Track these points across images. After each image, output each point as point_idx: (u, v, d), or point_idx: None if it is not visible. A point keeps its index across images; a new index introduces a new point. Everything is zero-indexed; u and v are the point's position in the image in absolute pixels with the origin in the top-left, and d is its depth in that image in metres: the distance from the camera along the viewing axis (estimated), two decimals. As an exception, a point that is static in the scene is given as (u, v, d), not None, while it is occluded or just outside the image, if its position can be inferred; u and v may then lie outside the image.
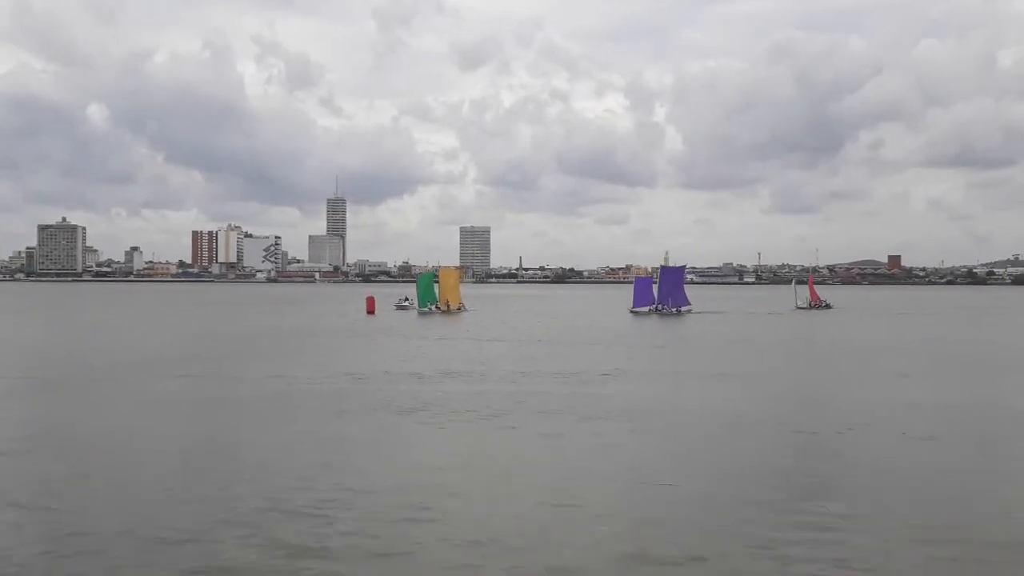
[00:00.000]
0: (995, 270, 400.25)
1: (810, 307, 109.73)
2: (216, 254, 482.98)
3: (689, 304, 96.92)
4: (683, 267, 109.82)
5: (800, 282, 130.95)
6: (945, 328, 77.55)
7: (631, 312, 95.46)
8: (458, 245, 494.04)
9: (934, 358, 48.15)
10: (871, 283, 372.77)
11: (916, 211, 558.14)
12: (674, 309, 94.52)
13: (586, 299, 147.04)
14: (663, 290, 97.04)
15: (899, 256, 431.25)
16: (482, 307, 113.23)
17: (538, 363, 42.66)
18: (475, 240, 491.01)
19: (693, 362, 44.56)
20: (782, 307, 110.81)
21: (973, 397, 31.64)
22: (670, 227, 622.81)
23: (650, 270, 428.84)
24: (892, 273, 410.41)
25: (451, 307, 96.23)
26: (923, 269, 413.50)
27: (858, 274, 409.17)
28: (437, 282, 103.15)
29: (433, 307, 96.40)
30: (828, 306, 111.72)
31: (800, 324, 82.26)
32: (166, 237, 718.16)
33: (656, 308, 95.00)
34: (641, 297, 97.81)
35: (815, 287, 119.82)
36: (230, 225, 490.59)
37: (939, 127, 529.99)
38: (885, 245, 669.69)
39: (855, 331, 71.71)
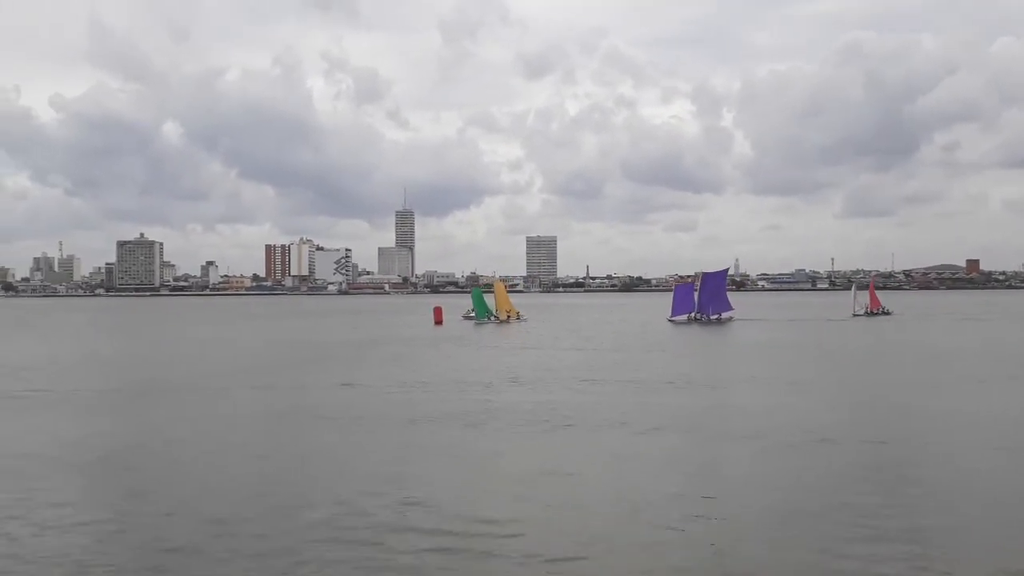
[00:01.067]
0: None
1: (868, 314, 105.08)
2: (289, 267, 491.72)
3: (732, 309, 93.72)
4: (725, 270, 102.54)
5: (861, 287, 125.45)
6: (1004, 331, 75.76)
7: (669, 321, 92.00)
8: (524, 255, 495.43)
9: (991, 361, 47.22)
10: (948, 288, 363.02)
11: (994, 213, 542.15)
12: (714, 316, 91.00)
13: (651, 307, 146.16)
14: (703, 297, 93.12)
15: (977, 260, 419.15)
16: (540, 316, 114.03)
17: (602, 371, 42.96)
18: (541, 249, 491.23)
19: (727, 370, 44.33)
20: (843, 313, 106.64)
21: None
22: (739, 233, 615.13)
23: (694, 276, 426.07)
24: (971, 277, 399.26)
25: (511, 316, 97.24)
26: (1003, 273, 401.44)
27: (935, 279, 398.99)
28: (489, 293, 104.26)
29: (491, 318, 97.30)
30: (887, 312, 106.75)
31: (851, 330, 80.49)
32: (240, 251, 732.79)
33: (695, 316, 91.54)
34: (681, 305, 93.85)
35: (876, 292, 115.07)
36: (302, 239, 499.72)
37: (1016, 127, 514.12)
38: (963, 249, 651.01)
39: (903, 336, 70.44)
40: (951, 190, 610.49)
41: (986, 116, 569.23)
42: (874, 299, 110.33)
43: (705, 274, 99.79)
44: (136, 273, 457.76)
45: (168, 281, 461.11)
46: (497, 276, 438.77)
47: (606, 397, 33.69)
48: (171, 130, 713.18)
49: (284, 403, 33.20)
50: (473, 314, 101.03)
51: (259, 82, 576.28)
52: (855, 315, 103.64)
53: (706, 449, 23.59)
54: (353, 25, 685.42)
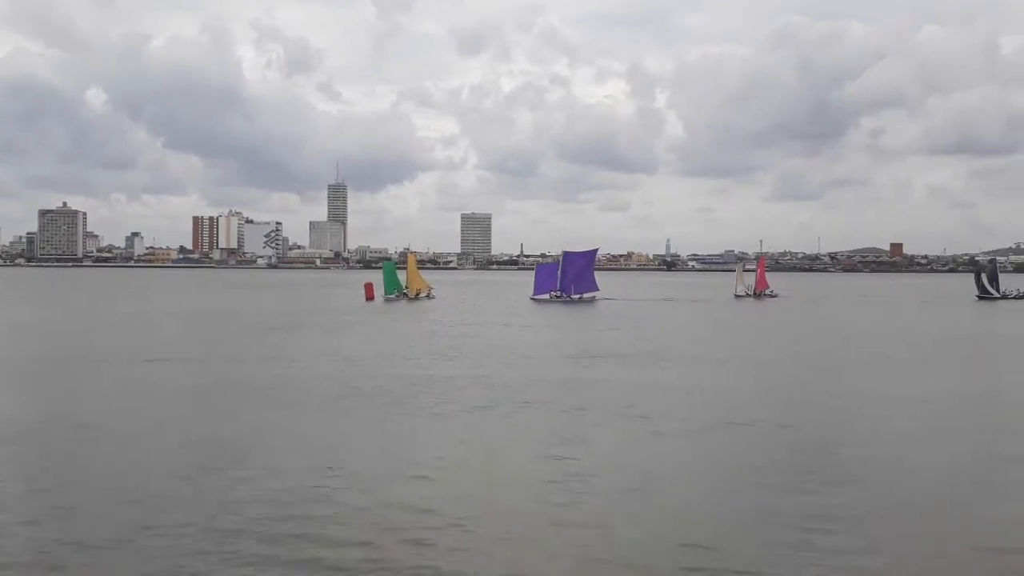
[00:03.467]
0: (998, 258, 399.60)
1: (753, 295, 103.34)
2: (217, 240, 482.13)
3: (597, 289, 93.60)
4: (594, 251, 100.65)
5: (747, 268, 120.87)
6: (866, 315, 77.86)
7: (531, 299, 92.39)
8: (459, 231, 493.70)
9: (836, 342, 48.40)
10: (872, 270, 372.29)
11: (918, 199, 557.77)
12: (576, 296, 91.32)
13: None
14: (566, 276, 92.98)
15: (901, 244, 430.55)
16: (458, 292, 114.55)
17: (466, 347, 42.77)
18: (476, 226, 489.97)
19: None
20: (727, 295, 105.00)
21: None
22: (671, 214, 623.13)
23: (651, 257, 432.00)
24: (894, 261, 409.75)
25: (420, 293, 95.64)
26: (925, 257, 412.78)
27: (860, 262, 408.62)
28: (400, 269, 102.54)
29: (400, 294, 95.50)
30: (774, 295, 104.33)
31: (710, 313, 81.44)
32: (167, 222, 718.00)
33: (556, 295, 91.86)
34: (543, 284, 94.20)
35: (766, 274, 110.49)
36: (231, 211, 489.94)
37: (940, 114, 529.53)
38: (887, 233, 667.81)
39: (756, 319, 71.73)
40: (877, 175, 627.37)
41: (912, 103, 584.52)
42: (761, 280, 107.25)
43: (566, 253, 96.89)
44: (58, 243, 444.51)
45: (92, 252, 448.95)
46: (431, 251, 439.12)
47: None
48: (95, 97, 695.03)
49: (207, 378, 32.25)
50: (403, 292, 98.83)
51: (187, 50, 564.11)
52: (736, 296, 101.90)
53: (570, 421, 23.41)
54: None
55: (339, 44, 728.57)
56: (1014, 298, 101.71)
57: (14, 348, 43.54)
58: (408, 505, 15.67)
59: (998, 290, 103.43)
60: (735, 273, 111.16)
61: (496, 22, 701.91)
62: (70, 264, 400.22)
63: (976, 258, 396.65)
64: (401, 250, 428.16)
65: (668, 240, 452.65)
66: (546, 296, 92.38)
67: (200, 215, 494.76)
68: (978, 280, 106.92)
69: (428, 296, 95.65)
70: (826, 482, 17.35)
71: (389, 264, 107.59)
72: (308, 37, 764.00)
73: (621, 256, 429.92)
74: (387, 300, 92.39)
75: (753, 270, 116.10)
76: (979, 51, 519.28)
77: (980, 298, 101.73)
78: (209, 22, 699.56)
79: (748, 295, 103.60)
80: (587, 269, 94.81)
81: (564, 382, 31.28)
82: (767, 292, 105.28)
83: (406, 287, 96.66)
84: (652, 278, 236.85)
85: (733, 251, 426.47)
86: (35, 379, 32.44)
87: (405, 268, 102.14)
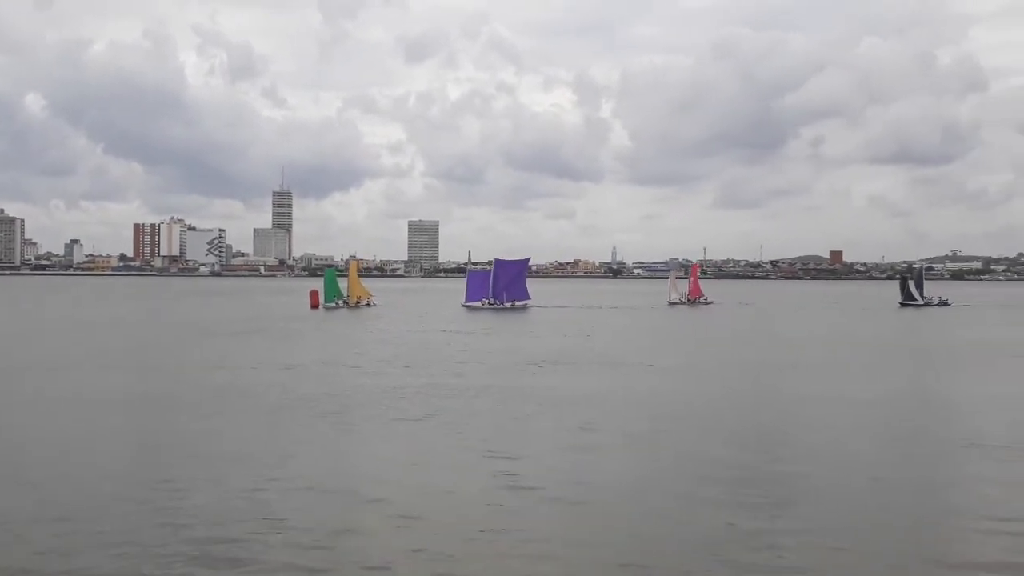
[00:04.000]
0: (934, 265, 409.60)
1: (687, 302, 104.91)
2: (159, 247, 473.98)
3: (529, 298, 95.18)
4: (526, 260, 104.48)
5: (680, 276, 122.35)
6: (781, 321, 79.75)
7: (463, 306, 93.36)
8: (406, 239, 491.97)
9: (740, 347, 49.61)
10: (813, 278, 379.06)
11: (857, 207, 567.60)
12: (508, 304, 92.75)
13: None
14: (498, 284, 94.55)
15: (841, 252, 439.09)
16: (402, 300, 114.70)
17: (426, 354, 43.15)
18: (423, 234, 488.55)
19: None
20: (662, 302, 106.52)
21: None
22: (617, 222, 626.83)
23: (598, 264, 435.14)
24: (834, 268, 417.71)
25: (359, 301, 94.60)
26: (864, 264, 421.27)
27: (800, 269, 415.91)
28: (341, 276, 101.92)
29: (340, 302, 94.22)
30: (708, 302, 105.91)
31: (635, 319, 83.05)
32: (107, 230, 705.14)
33: (489, 302, 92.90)
34: (474, 291, 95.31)
35: (699, 282, 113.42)
36: (172, 218, 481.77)
37: (879, 124, 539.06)
38: (828, 241, 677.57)
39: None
40: (817, 184, 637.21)
41: (851, 113, 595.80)
42: (695, 288, 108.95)
43: (498, 261, 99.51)
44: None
45: (29, 259, 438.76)
46: (377, 259, 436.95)
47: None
48: (33, 102, 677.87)
49: (146, 386, 32.09)
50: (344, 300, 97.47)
51: (128, 55, 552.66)
52: (671, 303, 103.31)
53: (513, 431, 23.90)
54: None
55: (284, 50, 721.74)
56: (936, 305, 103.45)
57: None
58: (348, 519, 15.80)
59: (922, 296, 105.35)
60: (668, 281, 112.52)
61: (442, 29, 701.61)
62: (7, 272, 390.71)
63: (913, 265, 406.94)
64: (347, 258, 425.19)
65: (614, 248, 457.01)
66: (478, 303, 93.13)
67: (141, 222, 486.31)
68: (903, 287, 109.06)
69: (368, 304, 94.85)
70: (764, 492, 17.86)
71: (331, 271, 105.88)
72: (252, 42, 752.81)
73: (568, 264, 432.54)
74: (327, 308, 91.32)
75: (686, 277, 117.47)
76: (916, 62, 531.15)
77: (903, 305, 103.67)
78: (151, 27, 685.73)
79: (682, 302, 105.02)
80: (519, 278, 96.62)
81: (508, 389, 31.69)
82: (700, 299, 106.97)
83: (347, 295, 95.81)
84: (596, 286, 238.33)
85: (677, 259, 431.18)
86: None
87: (347, 275, 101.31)
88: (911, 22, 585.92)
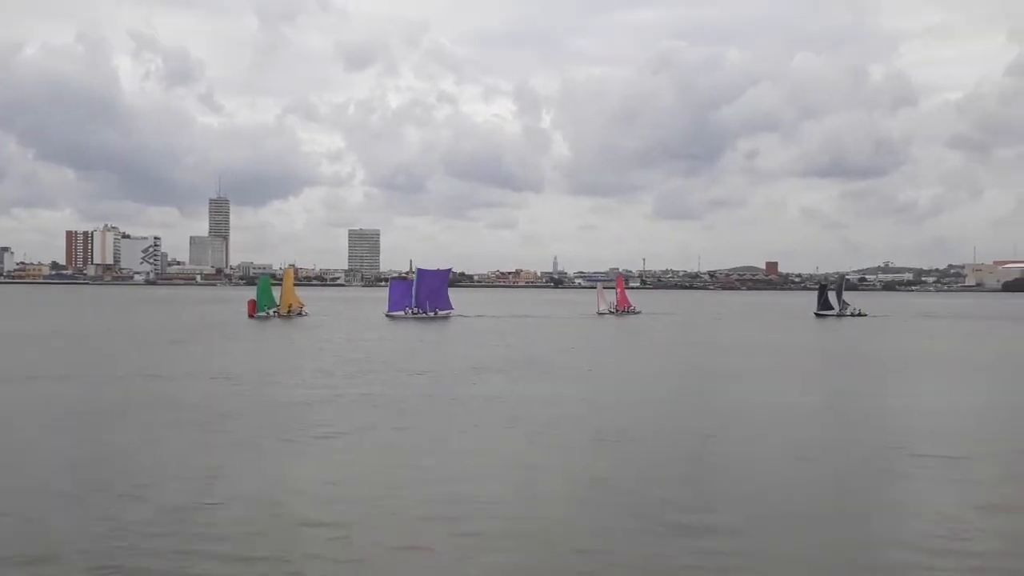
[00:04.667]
0: (867, 276, 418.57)
1: (616, 312, 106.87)
2: (92, 255, 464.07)
3: (451, 308, 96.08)
4: (448, 270, 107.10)
5: (607, 286, 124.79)
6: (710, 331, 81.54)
7: (386, 316, 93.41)
8: (347, 248, 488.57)
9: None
10: (749, 288, 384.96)
11: (792, 219, 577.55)
12: (431, 312, 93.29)
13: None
14: (421, 293, 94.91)
15: (776, 262, 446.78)
16: (333, 310, 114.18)
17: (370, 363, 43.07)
18: (364, 243, 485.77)
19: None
20: (591, 311, 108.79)
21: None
22: (558, 232, 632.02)
23: (539, 274, 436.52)
24: (770, 279, 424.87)
25: (291, 309, 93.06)
26: (799, 275, 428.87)
27: (737, 279, 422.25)
28: (276, 285, 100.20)
29: (272, 311, 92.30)
30: (636, 311, 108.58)
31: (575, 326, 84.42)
32: (38, 237, 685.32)
33: (413, 311, 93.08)
34: (397, 300, 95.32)
35: (626, 292, 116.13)
36: (106, 225, 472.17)
37: (813, 138, 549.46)
38: (763, 252, 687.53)
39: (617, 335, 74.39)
40: (753, 196, 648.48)
41: (785, 126, 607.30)
42: (623, 298, 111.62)
43: (420, 270, 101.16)
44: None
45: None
46: (317, 268, 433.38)
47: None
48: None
49: (78, 397, 31.43)
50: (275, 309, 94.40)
51: (61, 58, 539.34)
52: (599, 313, 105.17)
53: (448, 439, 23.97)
54: (164, 3, 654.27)
55: (220, 55, 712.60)
56: (850, 315, 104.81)
57: None
58: (283, 537, 15.75)
59: (841, 306, 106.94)
60: (596, 291, 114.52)
61: (382, 38, 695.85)
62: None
63: (847, 276, 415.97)
64: (286, 266, 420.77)
65: (555, 257, 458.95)
66: (401, 312, 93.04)
67: (74, 229, 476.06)
68: (821, 295, 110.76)
69: (300, 313, 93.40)
70: (703, 501, 18.17)
71: (265, 279, 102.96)
72: (188, 47, 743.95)
73: (509, 273, 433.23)
74: (258, 318, 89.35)
75: (613, 288, 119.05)
76: (848, 77, 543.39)
77: (818, 315, 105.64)
78: (84, 30, 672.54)
79: (611, 312, 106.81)
80: (441, 288, 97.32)
81: (448, 398, 31.70)
82: (628, 309, 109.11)
83: (278, 304, 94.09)
84: (536, 295, 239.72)
85: (617, 269, 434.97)
86: None
87: (281, 284, 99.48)
88: (843, 38, 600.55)
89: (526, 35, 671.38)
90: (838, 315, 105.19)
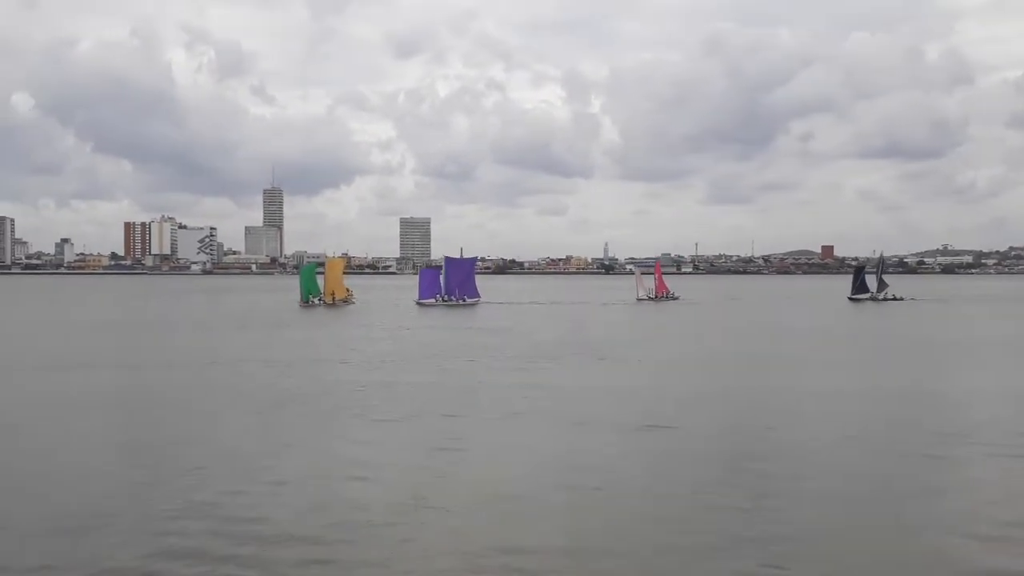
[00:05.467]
0: (925, 259, 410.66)
1: (654, 298, 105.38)
2: (149, 246, 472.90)
3: (479, 296, 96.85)
4: (474, 259, 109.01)
5: (646, 272, 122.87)
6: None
7: (417, 303, 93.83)
8: (398, 236, 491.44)
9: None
10: (805, 272, 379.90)
11: (848, 201, 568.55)
12: (460, 300, 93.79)
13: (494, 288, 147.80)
14: (451, 281, 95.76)
15: (832, 246, 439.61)
16: (384, 296, 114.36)
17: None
18: (415, 231, 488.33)
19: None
20: (631, 297, 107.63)
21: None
22: (608, 218, 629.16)
23: (590, 260, 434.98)
24: (825, 263, 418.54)
25: (336, 298, 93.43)
26: (855, 259, 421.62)
27: (792, 264, 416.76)
28: (321, 273, 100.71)
29: (316, 299, 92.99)
30: (675, 297, 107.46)
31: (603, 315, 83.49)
32: (97, 229, 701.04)
33: (443, 298, 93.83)
34: (428, 289, 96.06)
35: (663, 277, 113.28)
36: (163, 216, 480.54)
37: (868, 119, 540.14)
38: (819, 235, 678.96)
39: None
40: (807, 179, 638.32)
41: (840, 107, 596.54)
42: (660, 284, 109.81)
43: (448, 259, 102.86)
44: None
45: (20, 259, 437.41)
46: (370, 256, 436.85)
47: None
48: (21, 101, 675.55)
49: (139, 384, 32.20)
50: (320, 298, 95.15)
51: (115, 53, 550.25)
52: (639, 300, 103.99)
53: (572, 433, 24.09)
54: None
55: (272, 47, 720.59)
56: (883, 299, 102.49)
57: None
58: (338, 514, 16.07)
59: (879, 288, 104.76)
60: (635, 278, 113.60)
61: (430, 26, 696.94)
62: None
63: (905, 259, 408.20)
64: (340, 255, 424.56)
65: (606, 243, 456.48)
66: (431, 300, 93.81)
67: (132, 221, 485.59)
68: (856, 278, 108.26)
69: (347, 301, 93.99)
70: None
71: (309, 267, 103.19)
72: (240, 40, 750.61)
73: (560, 260, 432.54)
74: (303, 307, 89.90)
75: (652, 274, 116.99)
76: (903, 57, 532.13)
77: (852, 299, 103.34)
78: (138, 25, 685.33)
79: (649, 298, 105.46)
80: (469, 277, 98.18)
81: (495, 387, 31.96)
82: (667, 295, 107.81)
83: (323, 292, 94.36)
84: (585, 282, 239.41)
85: (669, 254, 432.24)
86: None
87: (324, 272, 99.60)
88: (898, 17, 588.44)
89: (575, 20, 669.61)
90: (871, 299, 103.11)
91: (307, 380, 32.84)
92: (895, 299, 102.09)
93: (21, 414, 25.94)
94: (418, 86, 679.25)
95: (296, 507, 15.89)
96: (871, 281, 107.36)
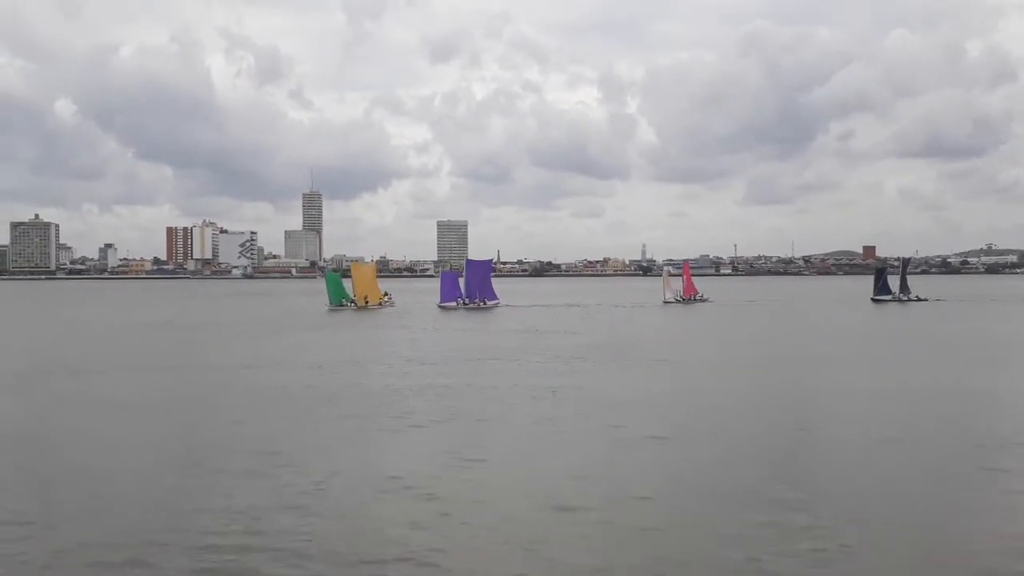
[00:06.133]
0: (968, 259, 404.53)
1: (682, 301, 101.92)
2: (191, 250, 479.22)
3: (497, 299, 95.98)
4: (490, 261, 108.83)
5: (674, 273, 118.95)
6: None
7: (439, 307, 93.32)
8: (435, 239, 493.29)
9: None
10: (846, 273, 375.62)
11: (889, 201, 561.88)
12: (480, 303, 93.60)
13: (527, 292, 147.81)
14: (470, 284, 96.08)
15: (874, 246, 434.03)
16: (415, 300, 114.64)
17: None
18: (452, 234, 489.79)
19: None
20: (658, 300, 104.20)
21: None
22: (645, 220, 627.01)
23: (628, 262, 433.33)
24: (867, 263, 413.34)
25: (369, 302, 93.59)
26: (897, 259, 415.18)
27: (833, 264, 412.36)
28: (347, 278, 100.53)
29: (350, 303, 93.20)
30: (704, 299, 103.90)
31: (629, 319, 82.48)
32: (140, 234, 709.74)
33: (463, 302, 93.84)
34: (448, 292, 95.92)
35: (692, 278, 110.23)
36: (205, 221, 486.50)
37: (909, 117, 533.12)
38: (860, 235, 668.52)
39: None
40: (847, 179, 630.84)
41: (880, 106, 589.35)
42: (689, 285, 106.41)
43: (469, 261, 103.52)
44: (31, 256, 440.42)
45: (65, 264, 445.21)
46: (407, 260, 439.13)
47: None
48: (64, 107, 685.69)
49: (186, 387, 32.86)
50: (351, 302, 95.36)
51: (155, 59, 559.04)
52: (666, 302, 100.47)
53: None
54: (253, 3, 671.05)
55: (309, 51, 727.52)
56: (906, 300, 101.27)
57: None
58: (387, 514, 16.45)
59: (902, 289, 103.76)
60: (662, 279, 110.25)
61: (466, 30, 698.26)
62: (43, 277, 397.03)
63: (948, 259, 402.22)
64: (378, 258, 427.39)
65: (644, 245, 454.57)
66: (453, 303, 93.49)
67: (173, 225, 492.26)
68: (878, 279, 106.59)
69: (382, 305, 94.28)
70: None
71: (332, 274, 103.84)
72: (278, 45, 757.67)
73: (597, 262, 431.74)
74: (331, 311, 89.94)
75: (680, 275, 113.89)
76: (944, 54, 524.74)
77: (875, 300, 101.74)
78: (177, 32, 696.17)
79: (677, 300, 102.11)
80: (485, 279, 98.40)
81: (528, 388, 32.23)
82: (696, 297, 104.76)
83: (354, 295, 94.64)
84: (623, 283, 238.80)
85: (708, 255, 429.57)
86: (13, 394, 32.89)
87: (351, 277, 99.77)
88: (939, 14, 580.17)
89: (609, 21, 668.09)
90: (894, 300, 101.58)
91: (343, 384, 33.28)
92: (919, 300, 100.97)
93: (69, 417, 26.63)
94: (454, 89, 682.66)
95: (336, 514, 16.27)
96: (893, 282, 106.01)
